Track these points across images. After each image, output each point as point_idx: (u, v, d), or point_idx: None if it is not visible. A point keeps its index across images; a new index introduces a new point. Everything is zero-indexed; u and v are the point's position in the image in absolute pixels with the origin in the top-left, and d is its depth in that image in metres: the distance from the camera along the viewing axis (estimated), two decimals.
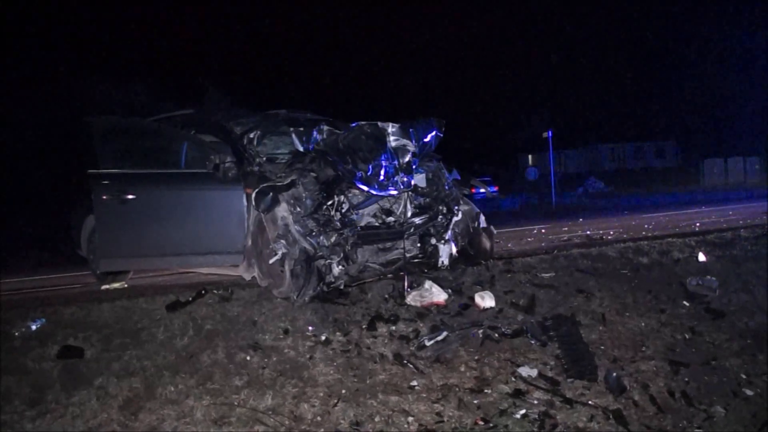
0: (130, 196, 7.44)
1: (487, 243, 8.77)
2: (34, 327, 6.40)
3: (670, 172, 51.02)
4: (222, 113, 8.86)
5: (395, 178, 7.43)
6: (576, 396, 5.26)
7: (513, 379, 5.42)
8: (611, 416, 5.06)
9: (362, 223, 7.63)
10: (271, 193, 6.92)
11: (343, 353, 5.77)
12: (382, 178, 7.33)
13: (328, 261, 7.00)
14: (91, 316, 6.69)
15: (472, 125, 55.13)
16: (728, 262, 8.66)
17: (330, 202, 7.16)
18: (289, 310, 6.64)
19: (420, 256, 8.21)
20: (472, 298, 6.92)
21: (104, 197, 7.48)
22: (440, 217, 8.12)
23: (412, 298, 6.92)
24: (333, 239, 7.00)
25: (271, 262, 6.89)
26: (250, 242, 7.39)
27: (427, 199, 8.12)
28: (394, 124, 7.77)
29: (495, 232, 9.07)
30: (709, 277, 7.67)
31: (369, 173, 7.26)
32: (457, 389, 5.24)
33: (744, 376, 5.81)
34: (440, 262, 8.15)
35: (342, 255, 7.11)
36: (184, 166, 7.76)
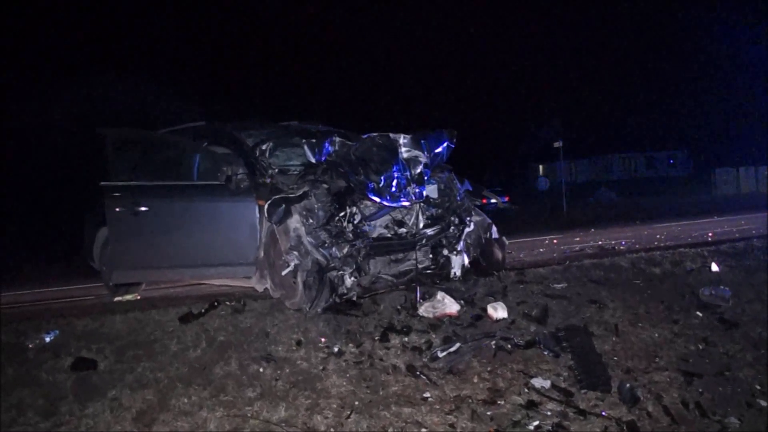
0: (143, 208, 7.48)
1: (499, 254, 8.76)
2: (47, 339, 6.43)
3: (682, 181, 50.81)
4: (234, 125, 8.89)
5: (407, 189, 7.44)
6: (589, 407, 5.25)
7: (526, 390, 5.41)
8: (625, 427, 5.05)
9: (374, 235, 7.63)
10: (283, 205, 6.92)
11: (355, 365, 5.77)
12: (394, 189, 7.34)
13: (341, 272, 7.00)
14: (104, 328, 6.72)
15: (483, 135, 55.14)
16: (741, 272, 8.61)
17: (342, 214, 7.16)
18: (302, 321, 6.64)
19: (432, 267, 8.20)
20: (485, 309, 6.91)
21: (117, 209, 7.53)
22: (452, 228, 8.10)
23: (424, 310, 6.91)
24: (345, 250, 7.01)
25: (283, 273, 6.90)
26: (262, 254, 7.39)
27: (439, 210, 8.12)
28: (406, 135, 7.79)
29: (507, 242, 9.06)
30: (722, 287, 7.63)
31: (381, 184, 7.26)
32: (470, 400, 5.23)
33: (758, 387, 5.79)
34: (452, 273, 8.13)
35: (354, 266, 7.11)
36: (197, 178, 7.79)
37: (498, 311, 6.82)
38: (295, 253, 6.81)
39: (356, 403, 5.17)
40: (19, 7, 45.23)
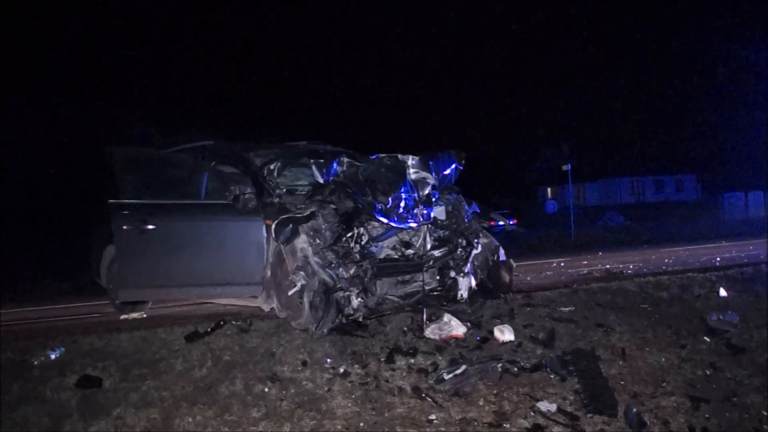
0: (150, 227, 7.47)
1: (506, 276, 8.72)
2: (53, 356, 6.42)
3: (690, 205, 50.63)
4: (242, 144, 8.91)
5: (415, 211, 7.44)
6: None
7: (532, 413, 5.38)
8: None
9: (381, 256, 7.63)
10: (290, 225, 6.93)
11: (361, 386, 5.74)
12: (401, 210, 7.34)
13: (347, 293, 6.98)
14: (110, 346, 6.71)
15: (492, 158, 55.29)
16: (749, 297, 8.58)
17: (349, 234, 7.16)
18: (308, 341, 6.63)
19: (439, 288, 8.19)
20: (492, 332, 6.89)
21: (124, 227, 7.52)
22: (459, 249, 8.09)
23: (430, 331, 6.89)
24: (352, 271, 7.00)
25: (290, 293, 6.88)
26: (269, 273, 7.39)
27: (447, 232, 8.11)
28: (414, 157, 7.80)
29: (514, 265, 9.03)
30: (729, 312, 7.60)
31: (389, 205, 7.27)
32: (475, 423, 5.20)
33: (765, 413, 5.73)
34: (459, 295, 8.11)
35: (361, 287, 7.10)
36: (204, 197, 7.79)
37: (505, 334, 6.79)
38: (302, 273, 6.81)
39: (361, 424, 5.14)
40: (29, 20, 45.64)
